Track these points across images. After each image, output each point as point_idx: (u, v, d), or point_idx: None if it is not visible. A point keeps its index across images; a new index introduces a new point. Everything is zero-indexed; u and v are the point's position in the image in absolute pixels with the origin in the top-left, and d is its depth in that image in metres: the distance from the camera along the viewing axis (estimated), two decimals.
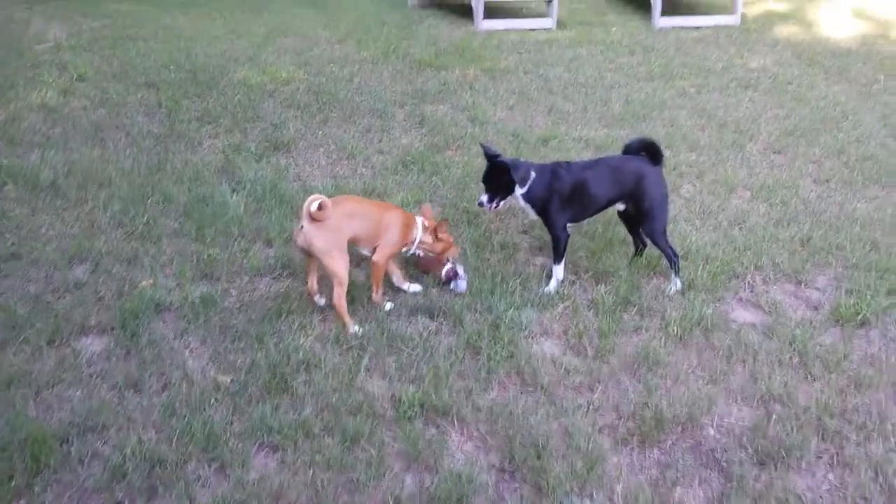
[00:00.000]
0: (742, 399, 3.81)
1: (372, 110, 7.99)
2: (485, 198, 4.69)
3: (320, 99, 8.28)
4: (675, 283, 4.78)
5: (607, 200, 4.78)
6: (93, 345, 4.13)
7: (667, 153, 6.92)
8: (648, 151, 4.77)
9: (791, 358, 4.11)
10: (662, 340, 4.24)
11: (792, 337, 4.26)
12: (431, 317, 4.46)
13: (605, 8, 12.72)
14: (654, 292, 4.73)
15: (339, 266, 4.22)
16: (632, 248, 5.10)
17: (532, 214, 4.80)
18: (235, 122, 7.53)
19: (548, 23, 11.41)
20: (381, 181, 6.24)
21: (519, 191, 4.65)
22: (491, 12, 11.44)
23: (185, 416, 3.57)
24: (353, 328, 4.29)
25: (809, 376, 3.97)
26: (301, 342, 4.13)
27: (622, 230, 5.19)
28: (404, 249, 4.63)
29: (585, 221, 5.17)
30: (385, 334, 4.23)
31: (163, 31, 10.85)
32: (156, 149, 6.86)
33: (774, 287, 4.84)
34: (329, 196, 4.22)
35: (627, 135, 7.45)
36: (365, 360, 4.01)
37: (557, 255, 4.76)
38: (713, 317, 4.45)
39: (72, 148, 6.78)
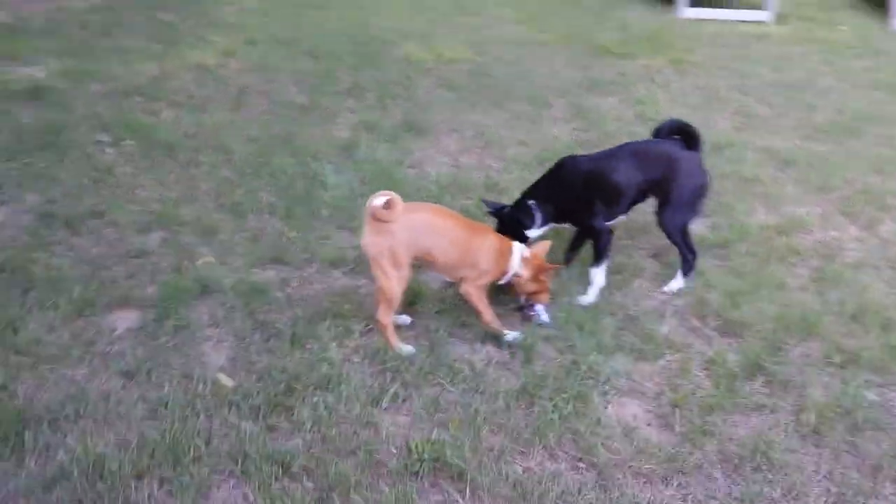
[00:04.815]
0: None
1: (528, 97, 7.21)
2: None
3: (478, 81, 7.64)
4: (677, 283, 4.10)
5: (636, 190, 4.02)
6: (121, 322, 3.75)
7: (875, 178, 5.58)
8: (682, 135, 4.02)
9: None
10: (787, 429, 3.15)
11: None
12: (500, 346, 3.67)
13: (837, 4, 10.93)
14: (800, 360, 3.60)
15: (389, 281, 3.51)
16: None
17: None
18: (380, 99, 7.08)
19: (763, 15, 9.99)
20: (507, 176, 5.47)
21: (535, 231, 4.04)
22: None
23: (165, 420, 3.07)
24: (404, 348, 3.58)
25: None
26: (334, 353, 3.50)
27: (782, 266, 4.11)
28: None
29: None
30: (430, 358, 3.50)
31: (347, 1, 10.68)
32: (289, 118, 6.55)
33: None
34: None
35: (829, 150, 6.14)
36: (394, 388, 3.31)
37: (598, 254, 4.03)
38: (873, 407, 3.27)
39: (209, 111, 6.64)
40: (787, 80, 7.83)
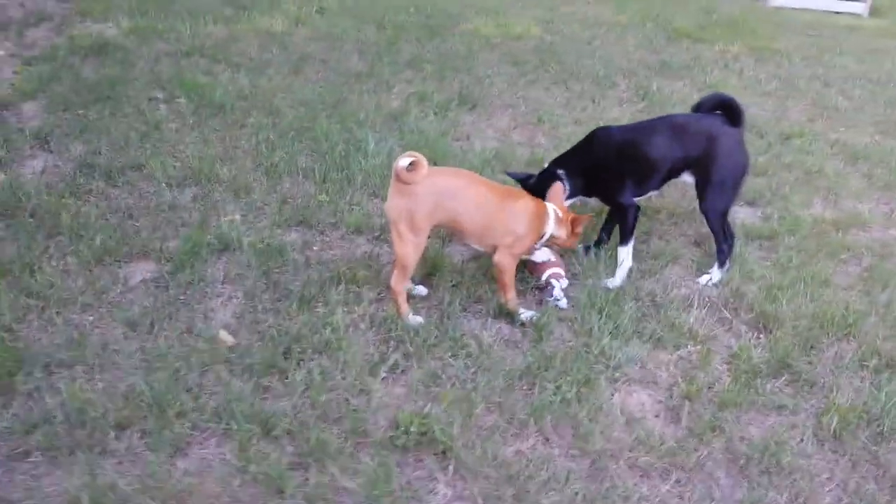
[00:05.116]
0: None
1: (594, 76, 6.96)
2: None
3: (543, 58, 7.41)
4: (713, 276, 3.85)
5: (671, 166, 3.77)
6: (137, 272, 3.75)
7: None
8: (725, 110, 3.75)
9: None
10: (805, 433, 2.89)
11: None
12: (513, 323, 3.50)
13: None
14: (832, 360, 3.31)
15: (405, 246, 3.36)
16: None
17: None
18: (439, 71, 6.94)
19: (858, 8, 9.40)
20: (554, 154, 5.21)
21: (567, 199, 3.81)
22: None
23: (157, 372, 3.03)
24: (413, 319, 3.45)
25: None
26: (339, 318, 3.40)
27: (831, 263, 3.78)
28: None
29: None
30: (438, 331, 3.36)
31: None
32: (344, 86, 6.49)
33: None
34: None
35: None
36: (395, 358, 3.19)
37: (624, 233, 3.80)
38: None
39: (267, 75, 6.63)
40: (874, 73, 7.32)
